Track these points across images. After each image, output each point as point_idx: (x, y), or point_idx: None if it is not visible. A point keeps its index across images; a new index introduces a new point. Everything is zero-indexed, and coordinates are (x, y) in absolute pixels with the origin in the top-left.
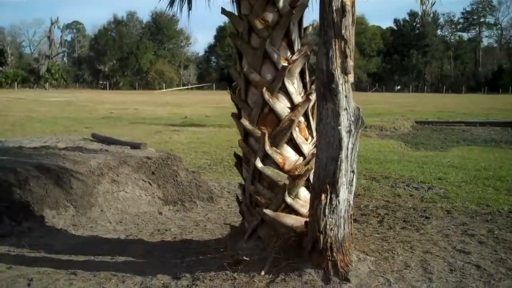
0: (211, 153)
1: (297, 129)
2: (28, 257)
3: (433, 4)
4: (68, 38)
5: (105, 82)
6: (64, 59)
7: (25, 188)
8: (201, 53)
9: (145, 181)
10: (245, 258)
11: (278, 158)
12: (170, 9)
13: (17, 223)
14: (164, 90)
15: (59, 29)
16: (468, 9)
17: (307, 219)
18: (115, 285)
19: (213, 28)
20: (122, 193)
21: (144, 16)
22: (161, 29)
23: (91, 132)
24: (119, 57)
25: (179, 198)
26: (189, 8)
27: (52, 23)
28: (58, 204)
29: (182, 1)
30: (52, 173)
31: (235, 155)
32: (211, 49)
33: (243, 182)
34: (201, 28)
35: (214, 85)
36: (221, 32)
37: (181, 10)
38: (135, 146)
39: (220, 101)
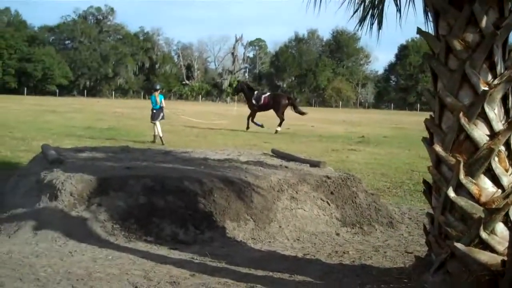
0: (390, 175)
1: (496, 158)
2: (210, 266)
3: None
4: (251, 54)
5: None
6: (246, 74)
7: (209, 198)
8: (380, 71)
9: (323, 201)
10: None
11: (473, 189)
12: (360, 28)
13: (200, 231)
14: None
15: (243, 46)
16: None
17: (505, 258)
18: None
19: (394, 46)
20: (300, 211)
21: (325, 34)
22: (341, 47)
23: (269, 147)
24: (297, 74)
25: (357, 221)
26: (379, 28)
27: (236, 40)
28: (239, 217)
29: (373, 20)
30: (235, 186)
31: (424, 182)
32: (391, 68)
33: (431, 211)
34: (382, 46)
35: (392, 104)
36: (402, 51)
37: (370, 29)
38: (314, 164)
39: (399, 121)
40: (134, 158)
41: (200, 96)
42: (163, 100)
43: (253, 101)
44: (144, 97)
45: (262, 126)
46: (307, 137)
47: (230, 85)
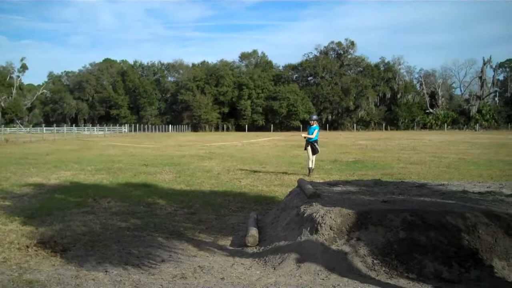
0: None
1: None
2: None
3: None
4: (501, 77)
5: None
6: (496, 99)
7: (474, 234)
8: None
9: None
10: None
11: None
12: None
13: (465, 270)
14: None
15: (492, 68)
16: None
17: None
18: None
19: None
20: None
21: None
22: None
23: None
24: None
25: None
26: None
27: (484, 63)
28: (508, 255)
29: None
30: (502, 221)
31: None
32: None
33: None
34: None
35: None
36: None
37: None
38: None
39: None
40: (389, 191)
41: (446, 124)
42: (315, 131)
43: None
44: (386, 128)
45: None
46: None
47: (479, 111)
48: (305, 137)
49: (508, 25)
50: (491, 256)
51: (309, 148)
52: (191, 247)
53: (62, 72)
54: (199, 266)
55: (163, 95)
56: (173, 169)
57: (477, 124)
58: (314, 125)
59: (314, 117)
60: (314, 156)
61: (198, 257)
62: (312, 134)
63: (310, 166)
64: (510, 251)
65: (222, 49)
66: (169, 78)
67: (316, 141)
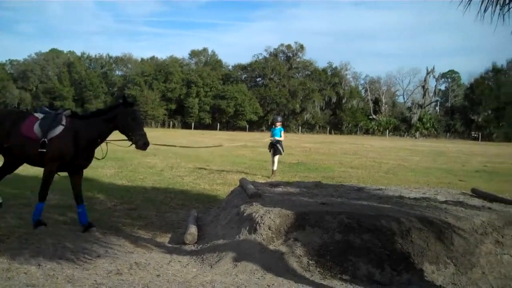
0: None
1: None
2: None
3: None
4: (442, 87)
5: (477, 133)
6: (437, 108)
7: (407, 238)
8: None
9: None
10: None
11: None
12: None
13: (397, 273)
14: None
15: (434, 78)
16: None
17: None
18: None
19: None
20: (506, 257)
21: None
22: None
23: (464, 186)
24: (494, 107)
25: None
26: None
27: (428, 73)
28: (438, 260)
29: None
30: (434, 227)
31: None
32: None
33: None
34: None
35: None
36: None
37: None
38: None
39: None
40: (328, 194)
41: (388, 130)
42: (282, 133)
43: None
44: (330, 132)
45: None
46: (509, 176)
47: (420, 119)
48: (271, 140)
49: (451, 37)
50: (422, 260)
51: (272, 149)
52: (128, 243)
53: (6, 60)
54: (135, 262)
55: (110, 88)
56: (115, 164)
57: (418, 132)
58: (279, 127)
59: (279, 118)
60: (276, 157)
61: (135, 254)
62: (280, 136)
63: (273, 167)
64: (440, 256)
65: (173, 46)
66: (117, 72)
67: (280, 142)
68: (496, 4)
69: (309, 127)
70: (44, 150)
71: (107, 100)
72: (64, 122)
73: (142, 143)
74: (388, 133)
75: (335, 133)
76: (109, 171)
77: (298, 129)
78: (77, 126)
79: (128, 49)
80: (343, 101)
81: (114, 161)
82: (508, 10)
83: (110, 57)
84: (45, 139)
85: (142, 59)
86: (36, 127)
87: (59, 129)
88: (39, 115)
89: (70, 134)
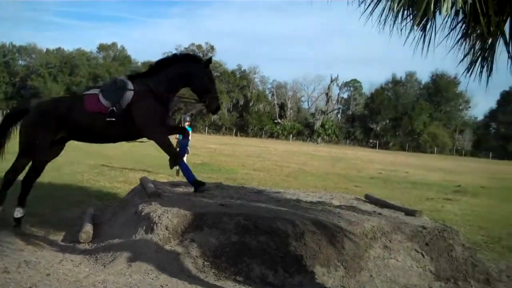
0: (487, 229)
1: None
2: None
3: None
4: (345, 95)
5: (375, 141)
6: (339, 115)
7: (301, 241)
8: (480, 117)
9: (417, 252)
10: None
11: None
12: (468, 75)
13: (289, 275)
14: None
15: (338, 86)
16: None
17: None
18: None
19: (496, 92)
20: (393, 261)
21: (423, 77)
22: (440, 91)
23: (360, 191)
24: (392, 116)
25: (452, 276)
26: (489, 75)
27: (332, 81)
28: (329, 263)
29: (482, 67)
30: (327, 230)
31: None
32: (492, 114)
33: None
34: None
35: (490, 153)
36: (506, 98)
37: (480, 75)
38: (409, 212)
39: (498, 171)
40: (228, 195)
41: (291, 135)
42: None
43: None
44: (236, 134)
45: None
46: (401, 183)
47: (322, 125)
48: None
49: (355, 47)
50: (314, 263)
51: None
52: (19, 240)
53: None
54: (24, 260)
55: (12, 78)
56: (11, 157)
57: (319, 138)
58: (187, 126)
59: (188, 118)
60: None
61: (26, 251)
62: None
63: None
64: (331, 259)
65: (81, 38)
66: (20, 62)
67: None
68: (396, 18)
69: (216, 128)
70: (113, 119)
71: (8, 91)
72: (130, 86)
73: (215, 107)
74: (292, 138)
75: (241, 135)
76: (3, 165)
77: (205, 130)
78: (149, 85)
79: (34, 38)
80: (250, 104)
81: (9, 154)
82: (406, 24)
83: (14, 46)
84: (114, 108)
85: (48, 50)
86: (102, 99)
87: (130, 94)
88: (93, 91)
89: (148, 96)
